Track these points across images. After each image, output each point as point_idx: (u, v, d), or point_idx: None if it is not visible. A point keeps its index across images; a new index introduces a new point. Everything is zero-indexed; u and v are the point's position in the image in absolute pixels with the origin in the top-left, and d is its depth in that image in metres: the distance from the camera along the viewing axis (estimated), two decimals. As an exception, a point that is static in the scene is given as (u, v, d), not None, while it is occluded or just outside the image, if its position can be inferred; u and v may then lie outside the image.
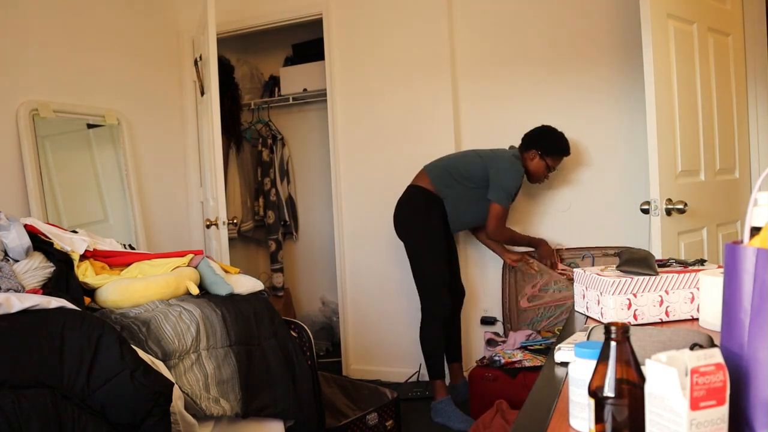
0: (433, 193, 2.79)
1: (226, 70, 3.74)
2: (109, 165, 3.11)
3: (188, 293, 1.95)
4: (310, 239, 4.25)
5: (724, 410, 0.64)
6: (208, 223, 3.08)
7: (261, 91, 4.24)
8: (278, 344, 1.96)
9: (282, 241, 4.14)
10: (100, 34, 3.09)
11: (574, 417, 0.82)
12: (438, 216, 2.78)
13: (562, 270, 2.94)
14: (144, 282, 1.87)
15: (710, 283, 1.20)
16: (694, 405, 0.62)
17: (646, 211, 2.20)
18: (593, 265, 2.66)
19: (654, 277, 1.33)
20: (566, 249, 3.06)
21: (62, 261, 1.86)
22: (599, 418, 0.71)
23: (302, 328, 2.16)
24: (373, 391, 2.64)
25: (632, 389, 0.69)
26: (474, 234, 3.14)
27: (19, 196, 2.67)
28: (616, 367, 0.70)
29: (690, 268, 1.42)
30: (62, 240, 1.99)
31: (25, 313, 1.48)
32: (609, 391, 0.70)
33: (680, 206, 2.18)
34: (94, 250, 2.07)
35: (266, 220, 4.07)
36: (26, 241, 1.81)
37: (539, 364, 2.56)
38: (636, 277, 1.33)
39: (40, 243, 1.91)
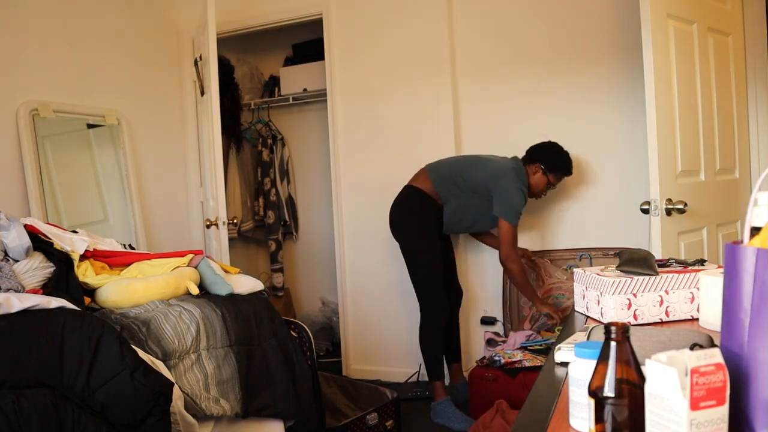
0: (430, 196, 2.78)
1: (226, 70, 3.74)
2: (109, 165, 3.11)
3: (188, 293, 1.95)
4: (310, 239, 4.25)
5: (724, 410, 0.64)
6: (208, 223, 3.08)
7: (261, 91, 4.24)
8: (278, 344, 1.96)
9: (282, 241, 4.14)
10: (100, 35, 3.09)
11: (574, 417, 0.82)
12: (433, 216, 2.78)
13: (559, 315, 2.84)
14: (144, 282, 1.87)
15: (710, 283, 1.20)
16: (694, 405, 0.62)
17: (646, 211, 2.20)
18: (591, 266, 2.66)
19: (654, 277, 1.33)
20: (565, 250, 3.05)
21: (62, 261, 1.86)
22: (599, 418, 0.71)
23: (302, 328, 2.16)
24: (373, 391, 2.64)
25: (632, 389, 0.69)
26: (475, 237, 3.13)
27: (19, 196, 2.67)
28: (616, 367, 0.70)
29: (690, 268, 1.42)
30: (62, 240, 1.99)
31: (25, 313, 1.48)
32: (609, 391, 0.70)
33: (680, 206, 2.18)
34: (94, 250, 2.07)
35: (266, 220, 4.07)
36: (26, 241, 1.81)
37: (539, 364, 2.56)
38: (636, 277, 1.33)
39: (40, 243, 1.91)
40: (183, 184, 3.57)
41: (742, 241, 0.75)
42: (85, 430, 1.35)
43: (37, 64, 2.78)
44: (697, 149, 2.39)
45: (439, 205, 2.79)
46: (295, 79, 3.97)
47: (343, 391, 2.72)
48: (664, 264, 1.48)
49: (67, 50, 2.92)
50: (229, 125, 3.75)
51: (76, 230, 2.24)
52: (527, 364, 2.60)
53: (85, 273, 1.92)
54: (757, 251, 0.70)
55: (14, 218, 1.87)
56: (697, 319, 1.31)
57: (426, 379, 3.00)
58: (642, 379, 0.69)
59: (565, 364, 1.07)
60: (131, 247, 2.45)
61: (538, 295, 2.86)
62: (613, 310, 1.32)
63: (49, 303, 1.52)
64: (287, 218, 4.11)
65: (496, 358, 2.68)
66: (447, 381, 2.96)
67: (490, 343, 2.94)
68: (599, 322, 1.37)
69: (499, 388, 2.60)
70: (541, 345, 2.71)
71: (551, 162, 2.74)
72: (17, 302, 1.47)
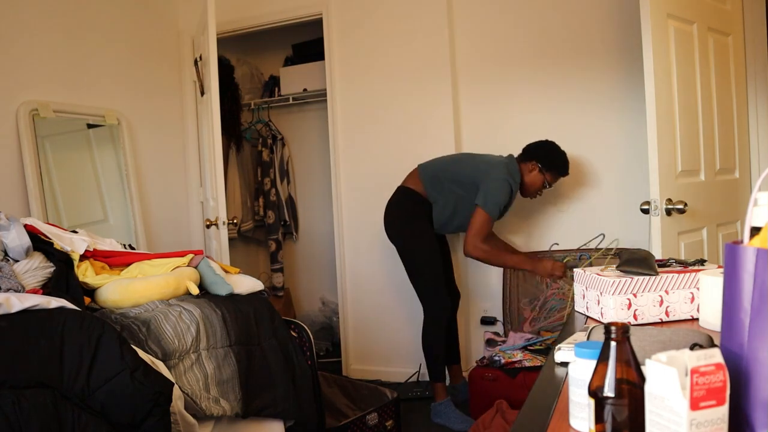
0: (421, 195, 2.77)
1: (226, 70, 3.74)
2: (109, 165, 3.11)
3: (188, 293, 1.95)
4: (310, 239, 4.25)
5: (724, 410, 0.64)
6: (208, 223, 3.08)
7: (261, 91, 4.24)
8: (278, 344, 1.96)
9: (282, 241, 4.14)
10: (100, 35, 3.09)
11: (574, 417, 0.82)
12: (427, 215, 2.76)
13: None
14: (144, 282, 1.87)
15: (710, 283, 1.20)
16: (694, 405, 0.62)
17: (646, 211, 2.20)
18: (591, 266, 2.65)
19: (654, 277, 1.33)
20: (565, 250, 3.05)
21: (62, 261, 1.86)
22: (599, 418, 0.71)
23: (302, 328, 2.16)
24: (373, 391, 2.64)
25: (632, 389, 0.69)
26: None
27: (19, 196, 2.67)
28: (616, 367, 0.70)
29: (690, 268, 1.42)
30: (62, 240, 1.99)
31: (25, 313, 1.47)
32: (609, 391, 0.70)
33: (680, 206, 2.18)
34: (94, 250, 2.07)
35: (266, 220, 4.07)
36: (26, 241, 1.81)
37: (539, 364, 2.56)
38: (636, 277, 1.33)
39: (40, 243, 1.91)
40: (183, 184, 3.57)
41: (742, 241, 0.74)
42: (85, 430, 1.35)
43: (37, 64, 2.78)
44: (697, 149, 2.39)
45: (431, 204, 2.77)
46: (295, 79, 3.97)
47: (343, 391, 2.72)
48: (664, 264, 1.48)
49: (67, 50, 2.92)
50: (229, 125, 3.75)
51: (76, 230, 2.24)
52: (527, 364, 2.60)
53: (85, 273, 1.92)
54: (757, 251, 0.70)
55: (14, 218, 1.87)
56: (697, 319, 1.31)
57: (426, 379, 3.00)
58: (642, 379, 0.69)
59: (565, 364, 1.07)
60: (131, 247, 2.45)
61: (528, 260, 2.72)
62: (613, 310, 1.32)
63: (49, 303, 1.52)
64: (287, 218, 4.11)
65: (496, 358, 2.68)
66: (447, 381, 2.96)
67: (489, 343, 2.94)
68: (599, 322, 1.37)
69: (499, 388, 2.60)
70: (541, 345, 2.71)
71: (548, 160, 2.70)
72: (17, 302, 1.47)
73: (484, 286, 3.25)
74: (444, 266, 2.85)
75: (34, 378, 1.36)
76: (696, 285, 1.33)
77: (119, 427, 1.43)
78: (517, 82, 3.11)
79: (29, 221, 2.05)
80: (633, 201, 2.69)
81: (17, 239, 1.79)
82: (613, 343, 0.71)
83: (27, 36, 2.74)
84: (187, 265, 2.05)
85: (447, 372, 2.96)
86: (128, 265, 2.06)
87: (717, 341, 0.84)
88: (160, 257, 2.10)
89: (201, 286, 2.04)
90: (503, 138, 3.11)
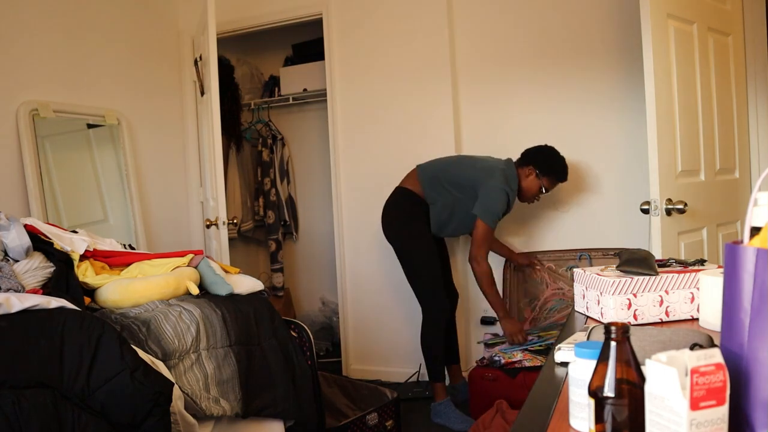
0: (419, 196, 2.76)
1: (226, 70, 3.74)
2: (109, 165, 3.11)
3: (188, 293, 1.95)
4: (310, 239, 4.25)
5: (724, 410, 0.64)
6: (208, 223, 3.08)
7: (261, 91, 4.24)
8: (278, 344, 1.96)
9: (282, 241, 4.14)
10: (100, 35, 3.09)
11: (574, 417, 0.82)
12: (424, 216, 2.76)
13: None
14: (144, 282, 1.87)
15: (710, 283, 1.20)
16: (694, 405, 0.62)
17: (646, 211, 2.20)
18: (591, 266, 2.66)
19: (654, 277, 1.33)
20: (565, 250, 3.05)
21: (62, 261, 1.86)
22: (599, 418, 0.71)
23: (302, 328, 2.16)
24: (373, 391, 2.64)
25: (632, 389, 0.69)
26: None
27: (19, 196, 2.67)
28: (616, 367, 0.70)
29: (690, 268, 1.42)
30: (62, 240, 1.99)
31: (25, 313, 1.47)
32: (609, 391, 0.70)
33: (680, 206, 2.18)
34: (94, 250, 2.07)
35: (266, 220, 4.07)
36: (26, 241, 1.81)
37: (539, 364, 2.56)
38: (636, 277, 1.33)
39: (40, 243, 1.91)
40: (183, 184, 3.57)
41: (742, 241, 0.74)
42: (85, 430, 1.35)
43: (37, 64, 2.78)
44: (697, 149, 2.39)
45: (429, 205, 2.76)
46: (295, 79, 3.97)
47: (343, 391, 2.72)
48: (664, 264, 1.48)
49: (67, 50, 2.92)
50: (229, 125, 3.75)
51: (76, 230, 2.24)
52: (527, 364, 2.60)
53: (85, 273, 1.92)
54: (757, 251, 0.70)
55: (14, 218, 1.87)
56: (697, 319, 1.31)
57: (426, 379, 3.00)
58: (642, 379, 0.69)
59: (565, 364, 1.07)
60: (131, 247, 2.45)
61: (504, 309, 2.74)
62: (613, 310, 1.32)
63: (49, 303, 1.52)
64: (287, 218, 4.11)
65: (496, 358, 2.68)
66: (447, 381, 2.96)
67: (488, 345, 2.94)
68: (599, 322, 1.37)
69: (499, 388, 2.60)
70: (541, 345, 2.71)
71: (545, 166, 2.69)
72: (17, 302, 1.47)
73: (484, 286, 3.25)
74: (442, 267, 2.85)
75: (34, 378, 1.36)
76: (696, 285, 1.33)
77: (119, 427, 1.43)
78: (517, 82, 3.11)
79: (29, 221, 2.05)
80: (633, 201, 2.69)
81: (17, 239, 1.79)
82: (613, 343, 0.71)
83: (27, 36, 2.74)
84: (187, 265, 2.05)
85: (447, 372, 2.96)
86: (128, 265, 2.06)
87: (717, 341, 0.84)
88: (160, 257, 2.10)
89: (201, 286, 2.04)
90: (503, 138, 3.11)
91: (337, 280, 3.51)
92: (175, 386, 1.57)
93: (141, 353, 1.55)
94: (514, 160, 2.77)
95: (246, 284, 2.10)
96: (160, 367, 1.60)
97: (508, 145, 2.98)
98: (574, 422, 0.81)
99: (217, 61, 2.97)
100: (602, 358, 0.72)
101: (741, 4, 2.71)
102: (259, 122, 4.16)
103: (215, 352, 1.79)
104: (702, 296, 1.24)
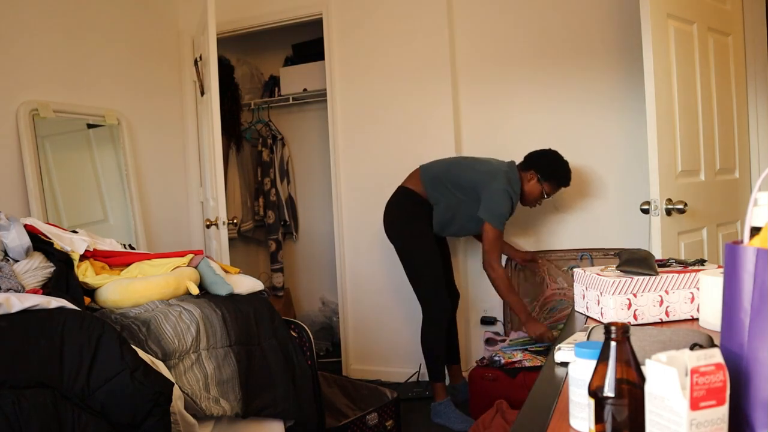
0: (421, 196, 2.76)
1: (226, 70, 3.74)
2: (109, 165, 3.11)
3: (188, 293, 1.95)
4: (310, 239, 4.25)
5: (724, 410, 0.64)
6: (208, 223, 3.08)
7: (261, 91, 4.24)
8: (278, 344, 1.96)
9: (282, 241, 4.14)
10: (100, 35, 3.09)
11: (574, 417, 0.82)
12: (426, 217, 2.75)
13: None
14: (144, 282, 1.87)
15: (710, 283, 1.20)
16: (694, 405, 0.62)
17: (646, 211, 2.20)
18: (592, 266, 2.66)
19: (654, 277, 1.33)
20: (566, 250, 3.05)
21: (62, 261, 1.86)
22: (599, 418, 0.71)
23: (302, 328, 2.16)
24: (373, 391, 2.64)
25: (632, 389, 0.69)
26: (477, 238, 3.13)
27: (19, 196, 2.67)
28: (616, 367, 0.70)
29: (690, 268, 1.42)
30: (62, 240, 1.99)
31: (25, 313, 1.47)
32: (609, 391, 0.70)
33: (680, 206, 2.18)
34: (94, 250, 2.07)
35: (266, 220, 4.07)
36: (26, 241, 1.81)
37: (539, 364, 2.56)
38: (636, 277, 1.33)
39: (40, 243, 1.91)
40: (183, 184, 3.57)
41: (742, 241, 0.74)
42: (85, 430, 1.35)
43: (37, 64, 2.78)
44: (697, 149, 2.39)
45: (431, 205, 2.76)
46: (295, 79, 3.97)
47: (343, 391, 2.72)
48: (664, 264, 1.48)
49: (67, 50, 2.92)
50: (229, 125, 3.75)
51: (76, 230, 2.24)
52: (527, 364, 2.60)
53: (85, 273, 1.92)
54: (757, 251, 0.70)
55: (14, 218, 1.87)
56: (697, 319, 1.31)
57: (426, 379, 3.00)
58: (642, 379, 0.69)
59: (565, 364, 1.07)
60: (131, 247, 2.45)
61: (526, 311, 2.68)
62: (613, 310, 1.32)
63: (49, 303, 1.52)
64: (287, 218, 4.11)
65: (496, 358, 2.68)
66: (447, 382, 2.96)
67: (489, 342, 2.94)
68: (599, 322, 1.37)
69: (499, 388, 2.60)
70: (540, 346, 2.71)
71: (548, 171, 2.67)
72: (17, 302, 1.47)
73: (484, 286, 3.24)
74: (444, 267, 2.85)
75: (34, 378, 1.36)
76: (696, 285, 1.33)
77: (119, 427, 1.43)
78: (517, 82, 3.11)
79: (29, 221, 2.05)
80: (633, 201, 2.69)
81: (17, 239, 1.79)
82: (613, 343, 0.71)
83: (27, 36, 2.74)
84: (187, 265, 2.05)
85: (447, 372, 2.96)
86: (128, 265, 2.06)
87: (717, 341, 0.84)
88: (160, 257, 2.10)
89: (201, 286, 2.04)
90: (503, 138, 3.11)
91: (337, 280, 3.51)
92: (175, 386, 1.57)
93: (141, 353, 1.55)
94: (516, 161, 2.76)
95: (246, 284, 2.10)
96: (160, 367, 1.60)
97: (508, 146, 2.98)
98: (574, 422, 0.81)
99: (217, 61, 2.97)
100: (602, 358, 0.72)
101: (741, 4, 2.71)
102: (259, 122, 4.16)
103: (215, 352, 1.79)
104: (702, 296, 1.24)
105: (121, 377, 1.43)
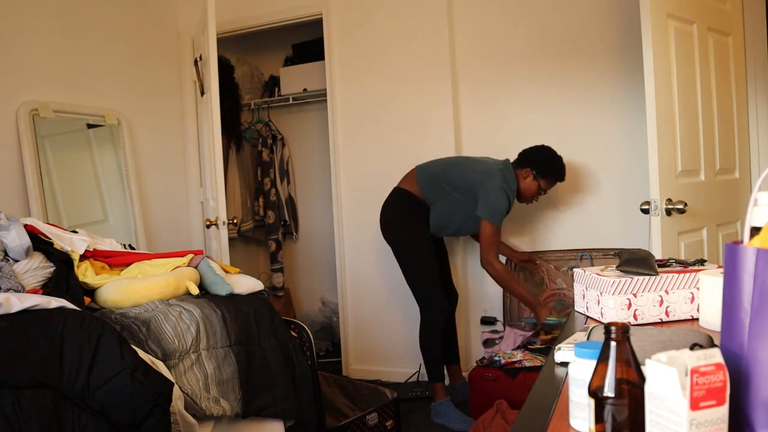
0: (417, 197, 2.76)
1: (226, 70, 3.74)
2: (109, 165, 3.11)
3: (188, 293, 1.95)
4: (310, 239, 4.25)
5: (724, 410, 0.64)
6: (208, 223, 3.08)
7: (261, 91, 4.24)
8: (278, 344, 1.96)
9: (282, 241, 4.14)
10: (100, 35, 3.09)
11: (574, 417, 0.82)
12: (422, 217, 2.75)
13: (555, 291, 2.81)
14: (144, 282, 1.87)
15: (710, 283, 1.20)
16: (694, 405, 0.62)
17: (646, 211, 2.20)
18: (592, 266, 2.66)
19: (654, 277, 1.33)
20: (566, 250, 3.05)
21: (62, 261, 1.86)
22: (599, 418, 0.71)
23: (302, 328, 2.16)
24: (373, 391, 2.64)
25: (632, 389, 0.69)
26: (475, 238, 3.13)
27: (19, 196, 2.67)
28: (616, 367, 0.70)
29: (690, 268, 1.42)
30: (62, 240, 1.99)
31: (25, 313, 1.48)
32: (609, 391, 0.70)
33: (680, 206, 2.18)
34: (94, 250, 2.07)
35: (266, 220, 4.07)
36: (26, 241, 1.81)
37: (539, 364, 2.56)
38: (636, 277, 1.33)
39: (40, 243, 1.91)
40: (183, 184, 3.57)
41: (742, 241, 0.74)
42: (85, 430, 1.35)
43: (37, 64, 2.78)
44: (697, 149, 2.39)
45: (427, 206, 2.76)
46: (295, 79, 3.97)
47: (343, 391, 2.72)
48: (664, 264, 1.48)
49: (67, 50, 2.92)
50: (229, 125, 3.75)
51: (76, 230, 2.24)
52: (527, 364, 2.60)
53: (85, 273, 1.92)
54: (757, 251, 0.70)
55: (14, 218, 1.87)
56: (697, 319, 1.31)
57: (426, 379, 3.00)
58: (642, 379, 0.69)
59: (565, 364, 1.07)
60: (131, 247, 2.45)
61: (532, 297, 2.73)
62: (613, 310, 1.32)
63: (49, 303, 1.52)
64: (287, 218, 4.11)
65: (496, 358, 2.68)
66: (447, 382, 2.96)
67: (487, 343, 2.94)
68: (599, 322, 1.37)
69: (499, 388, 2.60)
70: (540, 345, 2.71)
71: (543, 167, 2.68)
72: (17, 302, 1.47)
73: (483, 286, 3.25)
74: (441, 268, 2.85)
75: (34, 378, 1.36)
76: (696, 285, 1.33)
77: (119, 427, 1.43)
78: (517, 82, 3.11)
79: (29, 221, 2.05)
80: (633, 201, 2.69)
81: (17, 239, 1.79)
82: (613, 343, 0.71)
83: (27, 36, 2.74)
84: (187, 265, 2.05)
85: (446, 372, 2.96)
86: (128, 265, 2.06)
87: (717, 341, 0.84)
88: (160, 257, 2.10)
89: (201, 286, 2.04)
90: (503, 138, 3.11)
91: (337, 280, 3.51)
92: (175, 386, 1.57)
93: (141, 353, 1.55)
94: (512, 160, 2.76)
95: (246, 284, 2.10)
96: (160, 367, 1.60)
97: (508, 145, 2.97)
98: (574, 422, 0.81)
99: (217, 61, 2.97)
100: (602, 358, 0.72)
101: (741, 4, 2.71)
102: (259, 122, 4.16)
103: (215, 352, 1.79)
104: (702, 296, 1.24)
105: (121, 377, 1.44)
